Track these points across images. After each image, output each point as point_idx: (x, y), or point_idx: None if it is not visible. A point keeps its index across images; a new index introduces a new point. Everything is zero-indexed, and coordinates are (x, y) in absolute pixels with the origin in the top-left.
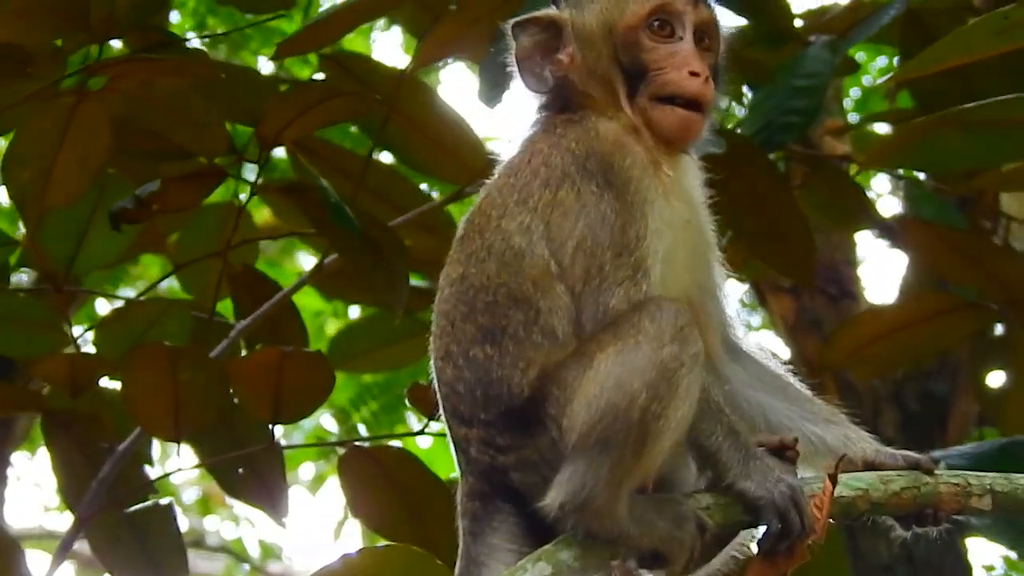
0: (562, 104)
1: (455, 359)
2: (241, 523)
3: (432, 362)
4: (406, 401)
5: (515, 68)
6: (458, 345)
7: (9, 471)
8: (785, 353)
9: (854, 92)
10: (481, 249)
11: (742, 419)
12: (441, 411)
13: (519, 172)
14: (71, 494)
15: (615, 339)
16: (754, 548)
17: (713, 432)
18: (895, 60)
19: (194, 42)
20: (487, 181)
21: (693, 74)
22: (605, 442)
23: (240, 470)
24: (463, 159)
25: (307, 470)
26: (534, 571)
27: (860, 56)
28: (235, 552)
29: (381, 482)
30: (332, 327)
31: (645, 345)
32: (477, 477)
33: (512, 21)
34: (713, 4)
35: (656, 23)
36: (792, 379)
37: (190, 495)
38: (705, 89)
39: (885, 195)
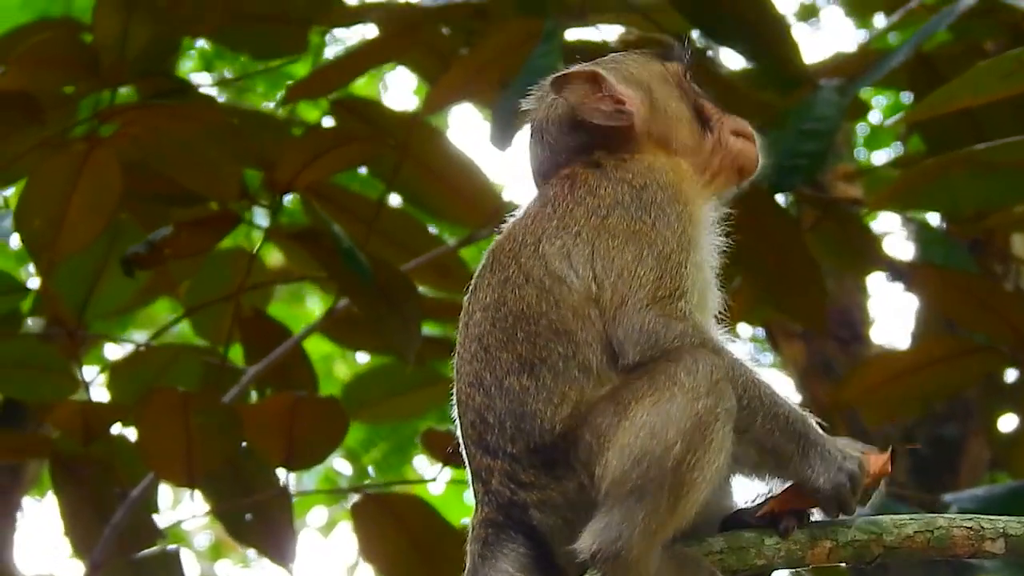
0: (608, 145)
1: (487, 387)
2: (252, 567)
3: (457, 388)
4: (417, 443)
5: (571, 109)
6: (492, 373)
7: (19, 516)
8: (797, 396)
9: (861, 127)
10: (518, 274)
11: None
12: (461, 438)
13: (560, 201)
14: (79, 540)
15: (651, 389)
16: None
17: (762, 417)
18: (903, 96)
19: (204, 86)
20: (506, 220)
21: (739, 120)
22: (640, 492)
23: (248, 516)
24: (475, 202)
25: (319, 513)
26: None
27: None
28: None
29: (393, 529)
30: (341, 370)
31: (680, 397)
32: (494, 509)
33: (555, 76)
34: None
35: (692, 81)
36: None
37: (201, 540)
38: (751, 130)
39: (896, 238)
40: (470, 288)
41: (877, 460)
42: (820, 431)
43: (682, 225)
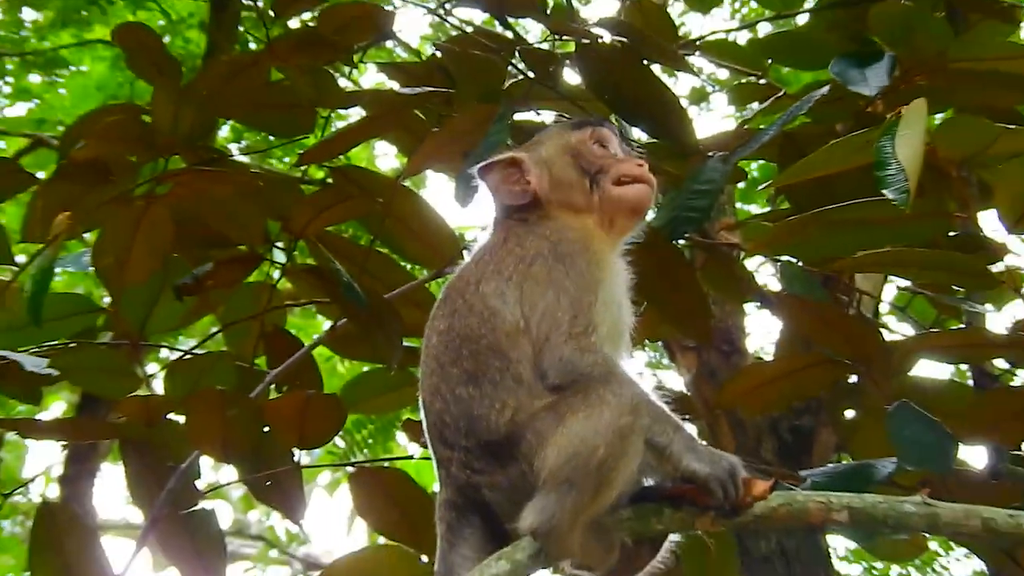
0: (529, 209)
1: (444, 395)
2: (273, 516)
3: (421, 395)
4: (397, 426)
5: (491, 193)
6: (446, 384)
7: (97, 477)
8: (689, 395)
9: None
10: (464, 307)
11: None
12: (427, 435)
13: (495, 251)
14: (141, 500)
15: (585, 405)
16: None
17: (664, 431)
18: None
19: (235, 154)
20: (461, 262)
21: (638, 165)
22: (571, 483)
23: (268, 483)
24: (440, 249)
25: (324, 477)
26: (496, 567)
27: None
28: (269, 539)
29: (381, 494)
30: (341, 369)
31: (607, 413)
32: (454, 490)
33: (478, 167)
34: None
35: (596, 142)
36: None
37: (236, 495)
38: (648, 173)
39: (766, 274)
40: (430, 317)
41: (760, 485)
42: (701, 442)
43: (590, 272)
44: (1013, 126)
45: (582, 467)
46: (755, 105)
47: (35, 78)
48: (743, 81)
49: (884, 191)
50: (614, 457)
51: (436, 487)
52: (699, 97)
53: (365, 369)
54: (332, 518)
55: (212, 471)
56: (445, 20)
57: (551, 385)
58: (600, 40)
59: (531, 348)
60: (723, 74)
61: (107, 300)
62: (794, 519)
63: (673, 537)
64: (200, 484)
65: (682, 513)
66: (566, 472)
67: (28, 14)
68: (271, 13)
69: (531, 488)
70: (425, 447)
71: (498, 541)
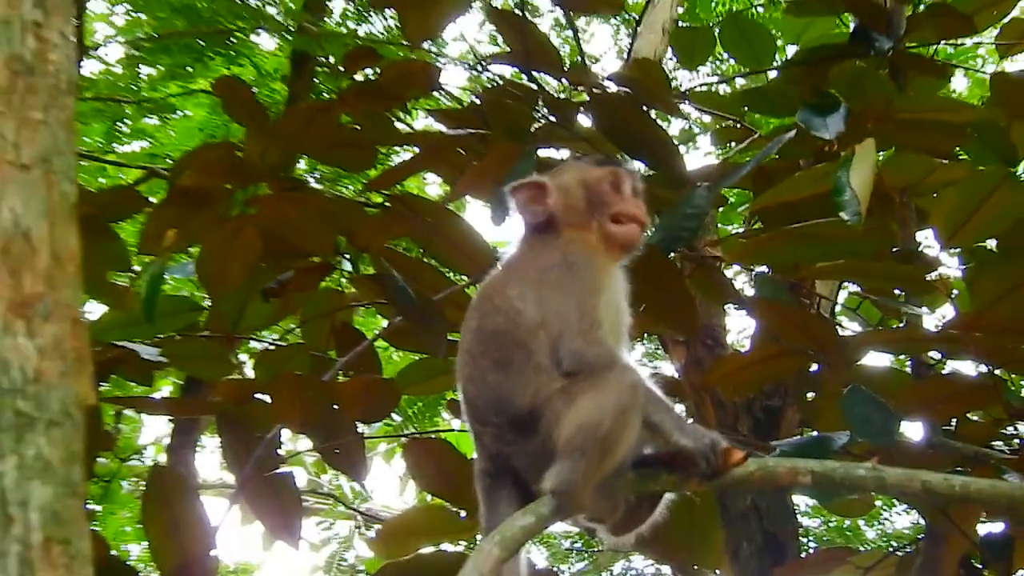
0: (547, 228)
1: (476, 381)
2: (341, 478)
3: (459, 382)
4: (442, 405)
5: (516, 210)
6: (478, 372)
7: (197, 447)
8: (680, 380)
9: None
10: (491, 309)
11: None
12: (464, 414)
13: (517, 262)
14: (233, 465)
15: (593, 388)
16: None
17: (657, 412)
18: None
19: (312, 182)
20: (492, 272)
21: (637, 207)
22: (582, 452)
23: (336, 451)
24: (477, 260)
25: (382, 447)
26: (524, 519)
27: (728, 191)
28: (338, 496)
29: (429, 460)
30: (396, 358)
31: (611, 394)
32: (488, 459)
33: (510, 186)
34: (640, 176)
35: (610, 182)
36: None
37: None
38: (644, 215)
39: (743, 281)
40: (464, 318)
41: (737, 453)
42: (687, 421)
43: (594, 279)
44: (945, 161)
45: (591, 438)
46: (734, 145)
47: (149, 121)
48: (724, 125)
49: (840, 213)
50: (616, 430)
51: (474, 456)
52: (688, 138)
53: (416, 358)
54: (389, 481)
55: (291, 441)
56: (482, 74)
57: (565, 371)
58: (608, 90)
59: (548, 341)
60: (707, 119)
61: (207, 302)
62: (767, 481)
63: (668, 496)
64: (281, 452)
65: (674, 476)
66: (578, 442)
67: (144, 69)
68: (341, 68)
69: (550, 456)
70: (464, 423)
71: (526, 500)
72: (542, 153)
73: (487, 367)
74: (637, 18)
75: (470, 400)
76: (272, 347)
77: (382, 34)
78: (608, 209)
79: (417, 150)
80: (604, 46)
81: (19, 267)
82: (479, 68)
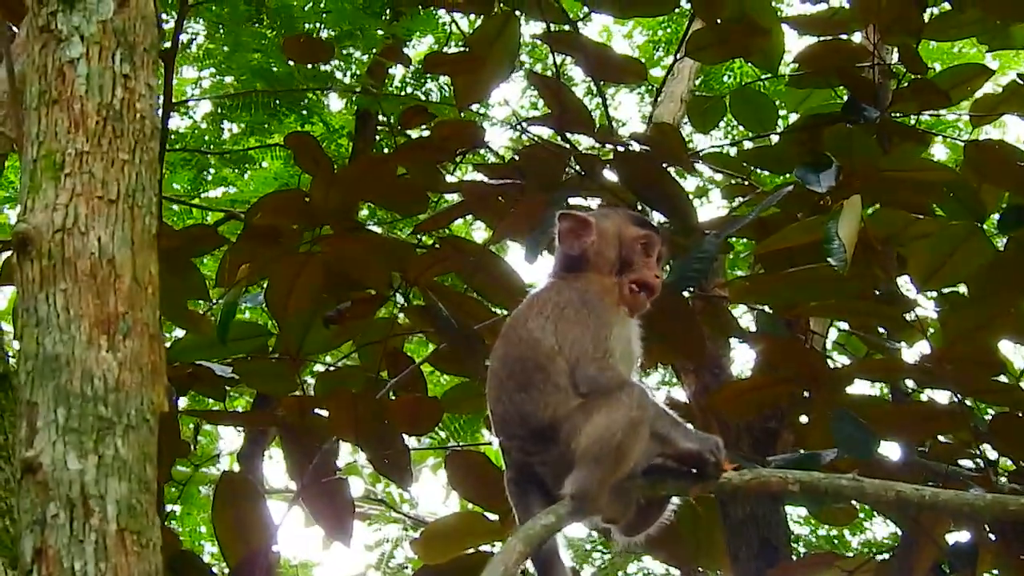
0: (573, 266)
1: (503, 400)
2: (392, 486)
3: (489, 401)
4: (481, 424)
5: (558, 238)
6: (505, 393)
7: (265, 456)
8: (691, 405)
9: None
10: (515, 338)
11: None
12: (494, 429)
13: (539, 298)
14: (295, 472)
15: (607, 404)
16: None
17: (664, 424)
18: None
19: (370, 224)
20: (519, 306)
21: (656, 276)
22: (597, 459)
23: (386, 460)
24: (513, 294)
25: (430, 461)
26: (544, 519)
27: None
28: (388, 503)
29: (469, 471)
30: (443, 381)
31: (623, 409)
32: (515, 469)
33: (560, 212)
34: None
35: (643, 244)
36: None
37: (366, 471)
38: (658, 286)
39: (746, 319)
40: (493, 348)
41: (731, 464)
42: (692, 427)
43: (606, 315)
44: (921, 216)
45: (605, 448)
46: (740, 199)
47: (230, 170)
48: (732, 182)
49: (828, 259)
50: (628, 441)
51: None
52: (701, 192)
53: (458, 381)
54: (435, 491)
55: (350, 453)
56: (522, 135)
57: (581, 393)
58: (631, 149)
59: (565, 365)
60: (718, 177)
61: (275, 328)
62: (761, 488)
63: (675, 499)
64: (339, 462)
65: (680, 481)
66: (594, 452)
67: (226, 125)
68: (398, 126)
69: (570, 464)
70: (495, 437)
71: (551, 503)
72: (571, 203)
73: (512, 388)
74: (658, 88)
75: (498, 417)
76: (332, 368)
77: (435, 98)
78: (633, 270)
79: (462, 198)
80: (629, 112)
81: (104, 289)
82: (520, 128)
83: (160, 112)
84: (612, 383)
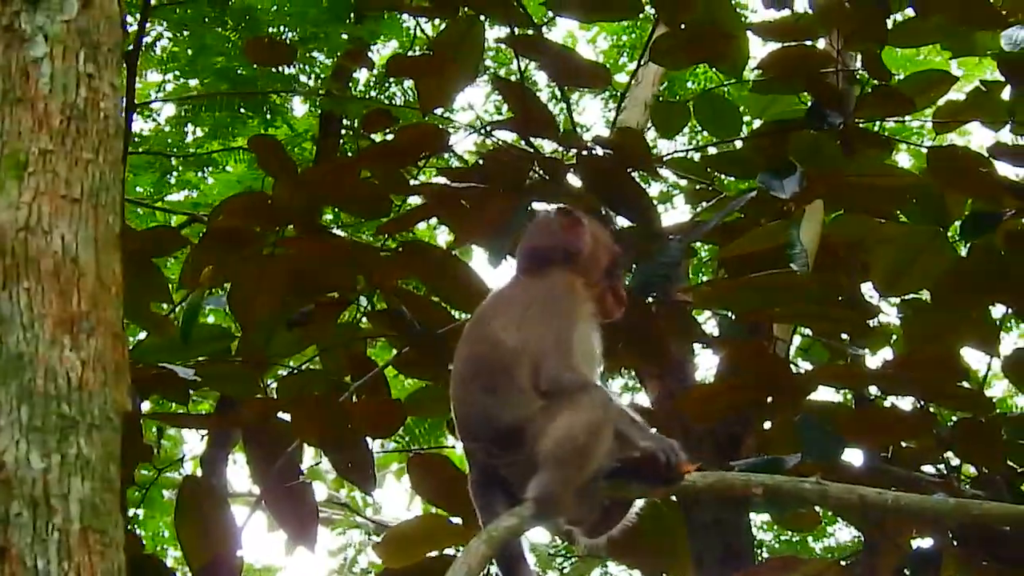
0: (541, 263)
1: (468, 402)
2: (356, 491)
3: (452, 403)
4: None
5: (552, 230)
6: (469, 394)
7: (229, 459)
8: (654, 410)
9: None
10: (479, 338)
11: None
12: (457, 431)
13: (503, 297)
14: (257, 476)
15: (570, 406)
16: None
17: (624, 423)
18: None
19: (333, 228)
20: (482, 304)
21: (623, 290)
22: (561, 462)
23: (349, 464)
24: (477, 298)
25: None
26: (508, 521)
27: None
28: (352, 507)
29: (431, 474)
30: (407, 384)
31: (586, 412)
32: (479, 471)
33: (558, 207)
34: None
35: (619, 260)
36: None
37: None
38: (625, 300)
39: (709, 324)
40: (458, 345)
41: (688, 465)
42: (651, 429)
43: (570, 314)
44: (883, 220)
45: (569, 450)
46: (704, 204)
47: (193, 173)
48: (696, 188)
49: (791, 264)
50: (590, 444)
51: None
52: (665, 198)
53: (422, 385)
54: (399, 496)
55: (313, 457)
56: (486, 139)
57: (543, 392)
58: (595, 152)
59: (529, 366)
60: (683, 182)
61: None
62: (726, 491)
63: (638, 501)
64: (303, 467)
65: (642, 484)
66: (557, 454)
67: (190, 128)
68: (362, 131)
69: (533, 467)
70: (458, 439)
71: (515, 506)
72: (535, 206)
73: (476, 390)
74: (622, 94)
75: (462, 419)
76: (295, 372)
77: (399, 102)
78: (613, 280)
79: (425, 201)
80: (593, 118)
81: (67, 288)
82: (484, 132)
83: (123, 113)
84: (574, 383)
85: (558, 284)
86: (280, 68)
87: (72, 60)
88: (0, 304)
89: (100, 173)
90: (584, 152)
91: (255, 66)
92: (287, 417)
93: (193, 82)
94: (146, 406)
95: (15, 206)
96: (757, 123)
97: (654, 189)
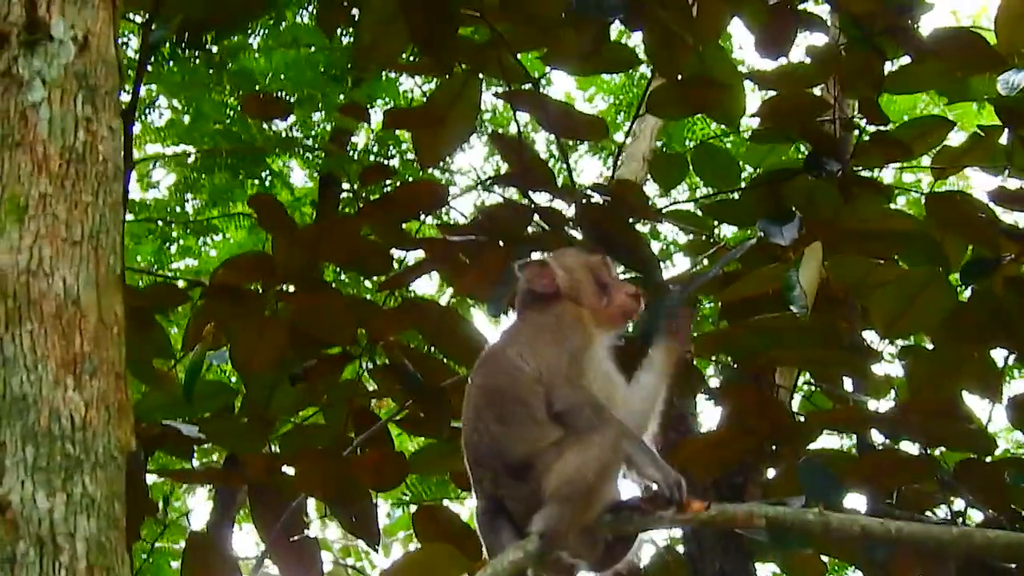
0: (545, 299)
1: (480, 431)
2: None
3: (463, 431)
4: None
5: (524, 283)
6: (482, 423)
7: (235, 519)
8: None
9: None
10: (495, 368)
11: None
12: (467, 460)
13: (516, 328)
14: (263, 530)
15: (579, 444)
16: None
17: (633, 448)
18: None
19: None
20: (494, 340)
21: (629, 289)
22: (567, 499)
23: (354, 518)
24: (476, 353)
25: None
26: (512, 555)
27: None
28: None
29: (437, 526)
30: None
31: (595, 449)
32: (486, 500)
33: (519, 263)
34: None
35: (605, 266)
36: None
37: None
38: (638, 293)
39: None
40: (471, 375)
41: (697, 504)
42: (660, 459)
43: (579, 341)
44: (881, 261)
45: (576, 489)
46: (703, 257)
47: (194, 239)
48: (692, 237)
49: (790, 307)
50: (598, 483)
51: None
52: (664, 255)
53: (428, 442)
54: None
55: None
56: (487, 193)
57: (556, 412)
58: (593, 200)
59: (544, 395)
60: (682, 239)
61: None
62: (728, 523)
63: (641, 536)
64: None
65: (646, 519)
66: (564, 492)
67: (189, 196)
68: (359, 186)
69: (540, 501)
70: (469, 488)
71: (521, 536)
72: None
73: (490, 419)
74: (619, 149)
75: (473, 447)
76: (297, 425)
77: (397, 164)
78: (610, 287)
79: (423, 254)
80: (591, 175)
81: (69, 330)
82: (483, 187)
83: (122, 154)
84: (585, 408)
85: (565, 313)
86: (279, 130)
87: (70, 104)
88: (3, 346)
89: (100, 215)
90: (583, 200)
91: (253, 128)
92: (291, 472)
93: (192, 151)
94: (149, 465)
95: (16, 249)
96: (756, 172)
97: (654, 247)
